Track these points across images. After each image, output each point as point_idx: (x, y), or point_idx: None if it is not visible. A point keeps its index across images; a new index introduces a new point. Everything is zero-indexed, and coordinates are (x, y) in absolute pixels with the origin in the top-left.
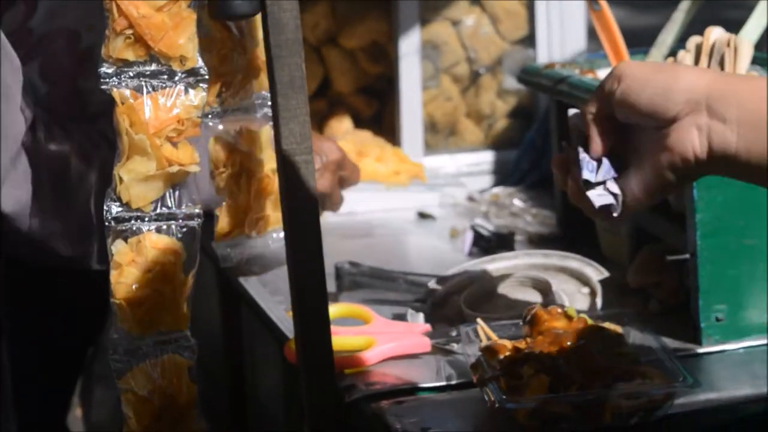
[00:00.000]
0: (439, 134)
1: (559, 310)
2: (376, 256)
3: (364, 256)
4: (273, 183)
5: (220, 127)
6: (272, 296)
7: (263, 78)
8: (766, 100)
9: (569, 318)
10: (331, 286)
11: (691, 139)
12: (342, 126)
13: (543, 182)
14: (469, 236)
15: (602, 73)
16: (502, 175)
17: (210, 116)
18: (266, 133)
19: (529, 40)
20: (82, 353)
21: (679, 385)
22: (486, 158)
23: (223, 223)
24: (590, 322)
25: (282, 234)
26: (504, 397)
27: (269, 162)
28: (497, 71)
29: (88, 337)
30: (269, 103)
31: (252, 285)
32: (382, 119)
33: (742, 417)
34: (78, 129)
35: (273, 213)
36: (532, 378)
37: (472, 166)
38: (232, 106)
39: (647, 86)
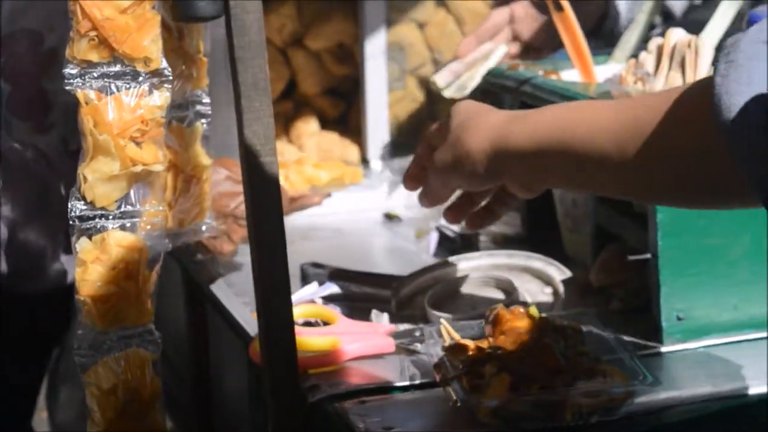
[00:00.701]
0: (405, 135)
1: (522, 310)
2: (341, 257)
3: (329, 257)
4: (201, 178)
5: None
6: (237, 297)
7: (200, 78)
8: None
9: (531, 317)
10: (296, 286)
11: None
12: (308, 127)
13: None
14: (434, 237)
15: (565, 75)
16: None
17: None
18: (197, 129)
19: None
20: (46, 354)
21: (639, 384)
22: None
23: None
24: (552, 321)
25: (205, 227)
26: (466, 396)
27: (198, 158)
28: None
29: (52, 337)
30: (203, 100)
31: (217, 286)
32: (348, 120)
33: (702, 415)
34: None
35: (200, 207)
36: (494, 377)
37: None
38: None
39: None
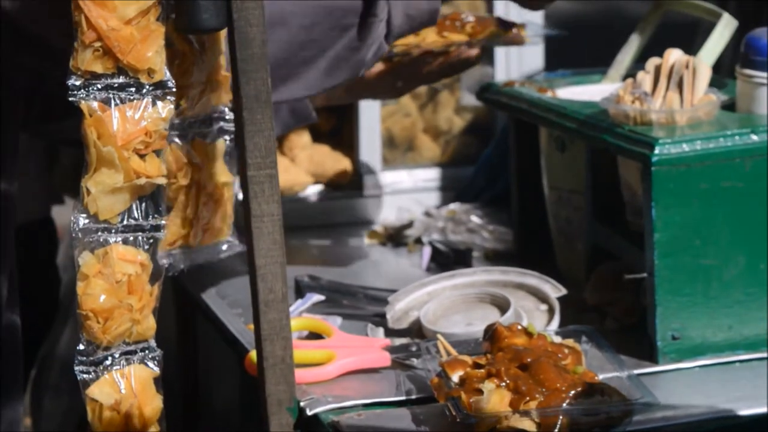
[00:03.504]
0: (397, 149)
1: (519, 327)
2: (335, 271)
3: (323, 270)
4: (222, 196)
5: (176, 139)
6: (231, 309)
7: (222, 93)
8: None
9: (529, 335)
10: (290, 299)
11: None
12: (301, 140)
13: (500, 199)
14: (426, 252)
15: (560, 92)
16: (459, 191)
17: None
18: (220, 146)
19: (487, 58)
20: (29, 363)
21: (637, 403)
22: (443, 174)
23: (167, 233)
24: (550, 338)
25: (226, 246)
26: (464, 412)
27: (220, 175)
28: (455, 88)
29: (34, 346)
30: (226, 116)
31: (210, 297)
32: (340, 134)
33: None
34: None
35: (221, 225)
36: (493, 394)
37: (429, 181)
38: (190, 118)
39: None
